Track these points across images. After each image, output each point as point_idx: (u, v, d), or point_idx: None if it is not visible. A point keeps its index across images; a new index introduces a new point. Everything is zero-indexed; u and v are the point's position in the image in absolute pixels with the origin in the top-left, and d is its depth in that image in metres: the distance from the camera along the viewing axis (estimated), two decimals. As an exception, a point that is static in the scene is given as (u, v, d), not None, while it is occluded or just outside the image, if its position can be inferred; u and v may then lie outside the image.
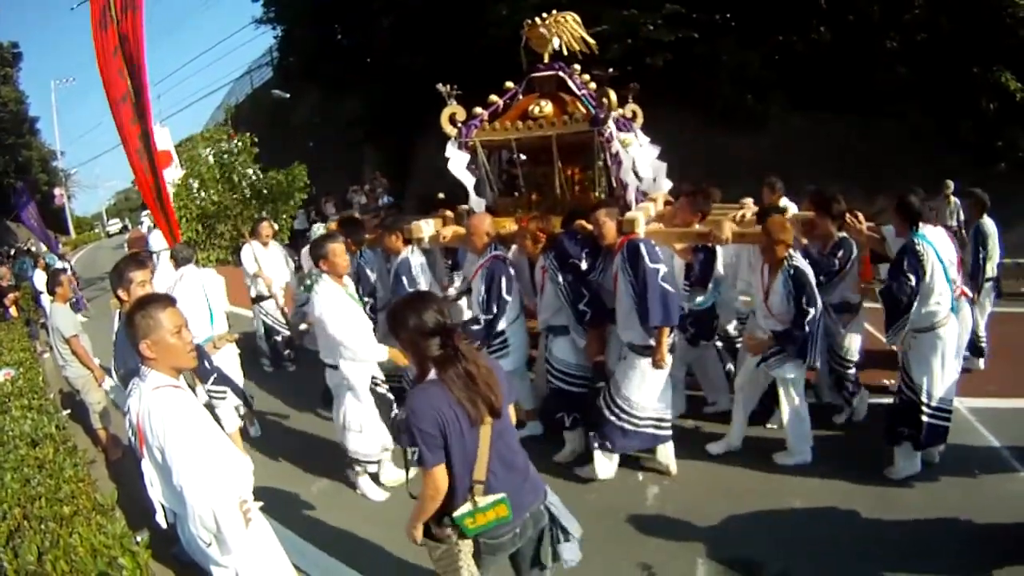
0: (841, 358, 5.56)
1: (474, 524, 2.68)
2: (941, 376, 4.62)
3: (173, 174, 12.35)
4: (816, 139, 13.47)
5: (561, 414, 5.35)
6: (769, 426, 5.60)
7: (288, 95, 26.01)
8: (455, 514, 2.68)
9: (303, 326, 6.55)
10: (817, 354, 4.77)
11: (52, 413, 5.86)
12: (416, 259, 5.89)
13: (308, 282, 4.84)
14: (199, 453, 2.56)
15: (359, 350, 4.75)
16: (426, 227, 5.97)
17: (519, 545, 2.90)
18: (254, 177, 11.16)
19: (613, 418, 4.87)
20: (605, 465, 5.02)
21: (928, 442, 4.70)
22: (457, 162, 5.85)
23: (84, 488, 4.17)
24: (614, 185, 5.76)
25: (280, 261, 8.52)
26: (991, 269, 6.88)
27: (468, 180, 5.92)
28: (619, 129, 5.86)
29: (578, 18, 6.06)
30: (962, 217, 10.69)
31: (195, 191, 10.72)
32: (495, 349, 5.38)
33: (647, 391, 4.84)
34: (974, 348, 6.69)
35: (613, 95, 5.30)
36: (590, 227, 5.05)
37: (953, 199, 10.73)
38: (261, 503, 2.95)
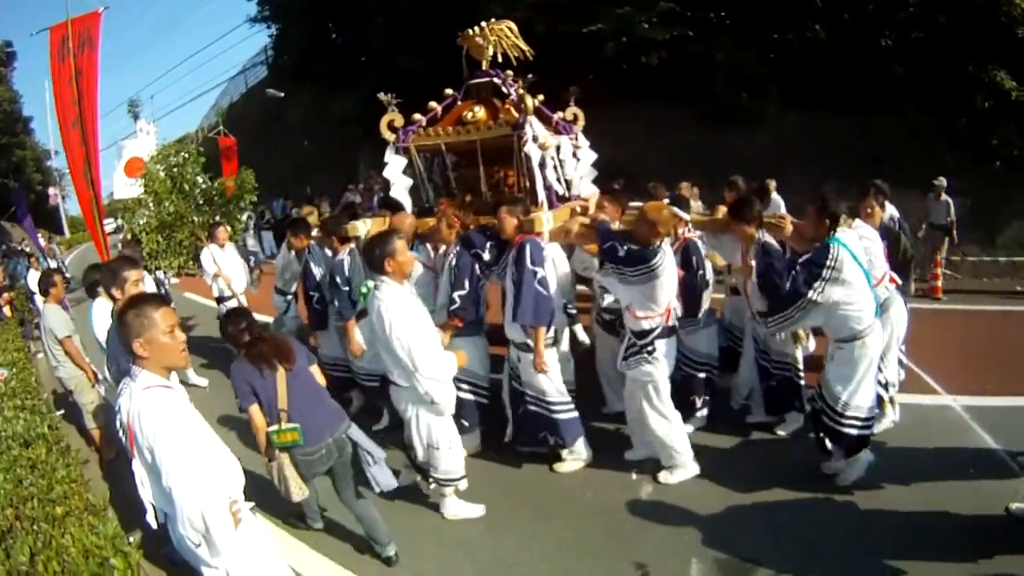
0: (780, 363, 5.52)
1: (278, 439, 3.82)
2: (863, 385, 4.55)
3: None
4: (812, 137, 13.49)
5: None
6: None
7: (282, 94, 26.00)
8: (268, 430, 3.82)
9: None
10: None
11: (45, 413, 5.82)
12: (350, 259, 6.00)
13: (364, 290, 4.49)
14: (188, 454, 2.55)
15: (434, 365, 4.17)
16: (362, 226, 6.07)
17: (329, 464, 3.99)
18: (204, 185, 11.60)
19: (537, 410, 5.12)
20: (569, 464, 5.27)
21: (854, 448, 4.64)
22: (394, 166, 6.09)
23: (76, 489, 4.14)
24: (533, 186, 5.78)
25: (237, 263, 8.92)
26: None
27: (403, 183, 6.13)
28: (559, 132, 6.18)
29: (513, 26, 6.24)
30: (954, 216, 10.72)
31: (150, 205, 11.22)
32: None
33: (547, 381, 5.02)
34: None
35: (530, 100, 5.47)
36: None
37: (945, 197, 10.74)
38: (252, 503, 2.93)
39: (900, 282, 5.30)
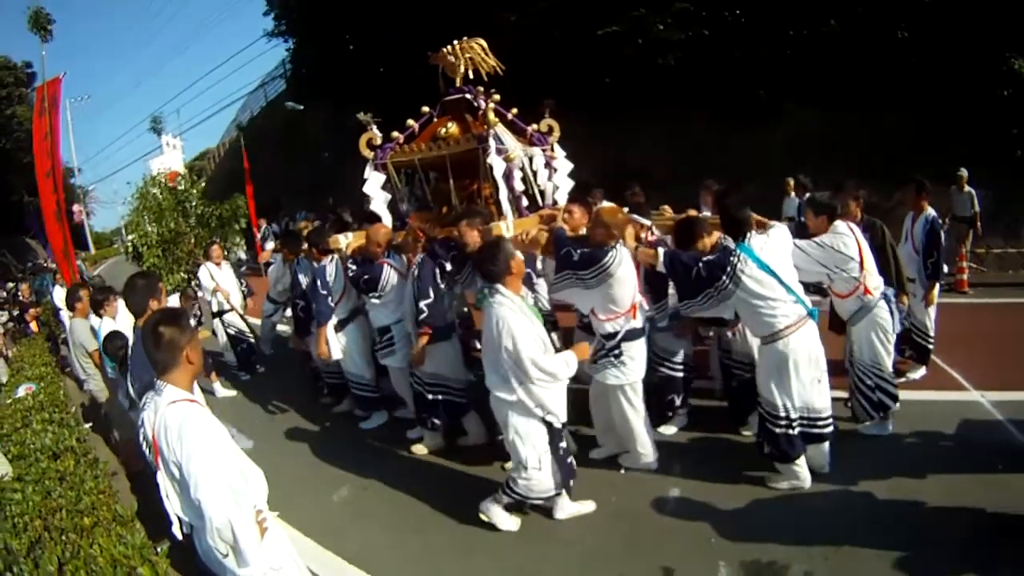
0: (740, 363, 5.55)
1: None
2: (795, 386, 4.56)
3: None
4: (829, 133, 13.37)
5: (424, 414, 5.84)
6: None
7: (302, 107, 26.17)
8: None
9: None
10: None
11: (73, 426, 5.89)
12: (331, 267, 6.36)
13: (481, 296, 4.48)
14: (217, 466, 2.58)
15: (556, 370, 4.19)
16: (343, 239, 6.31)
17: None
18: (200, 210, 12.88)
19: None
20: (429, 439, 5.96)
21: (789, 453, 4.65)
22: (373, 182, 6.37)
23: (105, 500, 4.19)
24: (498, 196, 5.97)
25: (232, 279, 9.43)
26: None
27: (381, 198, 6.40)
28: (533, 143, 6.45)
29: (484, 43, 6.40)
30: (978, 207, 10.57)
31: (148, 224, 12.40)
32: (383, 346, 6.13)
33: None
34: (919, 351, 6.51)
35: (492, 115, 5.75)
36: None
37: (968, 188, 10.59)
38: (277, 512, 2.95)
39: (876, 294, 5.16)
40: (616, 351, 4.82)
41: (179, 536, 2.74)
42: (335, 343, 6.36)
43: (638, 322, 4.86)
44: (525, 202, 6.37)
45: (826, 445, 4.78)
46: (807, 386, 4.57)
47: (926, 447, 5.08)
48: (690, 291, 4.66)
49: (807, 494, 4.61)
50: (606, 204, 5.35)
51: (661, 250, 4.82)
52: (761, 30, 14.13)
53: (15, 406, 6.84)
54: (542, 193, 6.65)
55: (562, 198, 6.60)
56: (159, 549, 3.29)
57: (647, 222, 5.56)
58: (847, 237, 4.97)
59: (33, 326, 14.25)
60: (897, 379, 5.51)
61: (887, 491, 4.52)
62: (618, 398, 4.98)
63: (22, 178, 36.24)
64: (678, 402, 5.78)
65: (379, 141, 6.42)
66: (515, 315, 4.18)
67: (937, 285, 6.37)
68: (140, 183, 13.46)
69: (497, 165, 5.71)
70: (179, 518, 2.72)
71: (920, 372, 6.48)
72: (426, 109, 6.48)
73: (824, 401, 4.64)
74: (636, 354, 4.87)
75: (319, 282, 6.31)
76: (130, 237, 14.83)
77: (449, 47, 6.38)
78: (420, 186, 6.81)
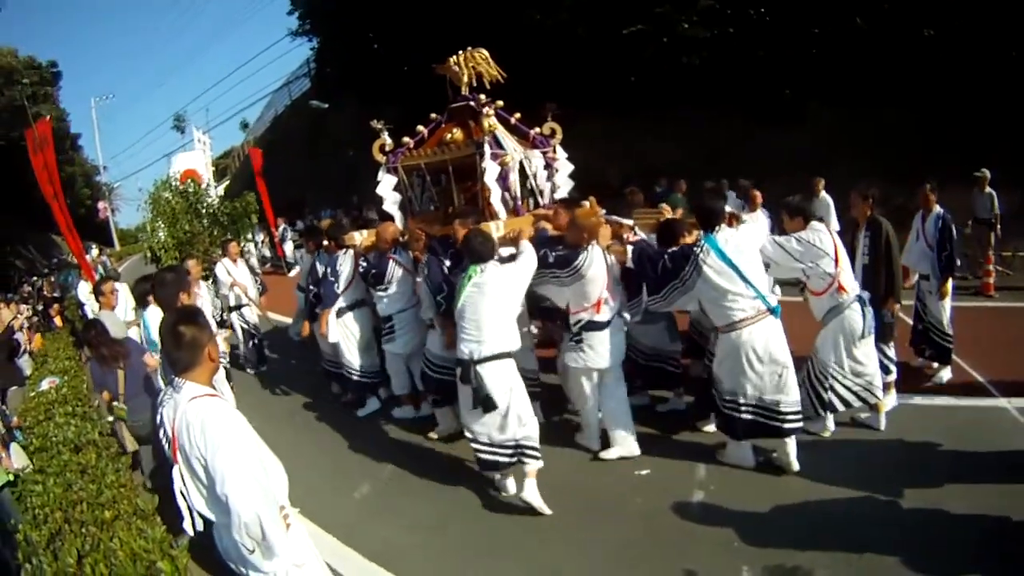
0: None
1: (117, 413, 5.40)
2: (748, 376, 4.76)
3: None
4: (855, 132, 13.21)
5: (430, 396, 6.32)
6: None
7: (327, 105, 26.27)
8: (113, 405, 5.42)
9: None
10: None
11: (96, 420, 5.91)
12: (344, 259, 6.92)
13: (472, 274, 4.95)
14: (244, 461, 2.55)
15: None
16: (358, 236, 6.97)
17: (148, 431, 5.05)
18: (212, 209, 13.71)
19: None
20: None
21: (733, 432, 4.96)
22: (385, 184, 6.93)
23: (125, 493, 4.18)
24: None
25: (247, 275, 9.83)
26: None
27: (393, 199, 6.96)
28: (535, 146, 6.87)
29: (486, 53, 6.80)
30: (998, 209, 10.33)
31: (161, 228, 13.28)
32: (385, 333, 6.58)
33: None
34: (939, 350, 6.37)
35: (486, 122, 6.29)
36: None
37: (989, 189, 10.36)
38: (298, 508, 2.92)
39: (851, 294, 5.15)
40: (578, 338, 5.20)
41: (190, 532, 2.70)
42: (334, 327, 6.93)
43: (601, 316, 5.17)
44: (517, 202, 6.70)
45: (791, 443, 4.87)
46: (763, 378, 4.76)
47: (950, 454, 4.95)
48: (656, 286, 4.99)
49: (830, 500, 4.51)
50: (584, 206, 5.57)
51: (630, 247, 5.22)
52: (786, 29, 14.00)
53: (38, 399, 6.89)
54: (541, 192, 7.05)
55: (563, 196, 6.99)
56: (178, 543, 3.26)
57: (628, 222, 5.79)
58: (823, 234, 5.09)
59: (57, 321, 14.38)
60: (926, 383, 5.75)
61: (911, 497, 4.41)
62: (576, 379, 5.43)
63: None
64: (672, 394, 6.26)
65: (391, 146, 6.92)
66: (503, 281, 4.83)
67: (951, 279, 6.30)
68: (151, 188, 14.18)
69: (491, 169, 6.12)
70: (192, 512, 2.68)
71: (946, 373, 6.34)
72: (435, 116, 6.95)
73: (785, 396, 4.78)
74: (596, 344, 5.20)
75: (329, 271, 6.91)
76: (147, 243, 15.35)
77: (454, 58, 6.79)
78: (428, 188, 7.24)
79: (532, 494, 4.71)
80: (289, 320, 10.29)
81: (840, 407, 5.28)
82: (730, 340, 4.78)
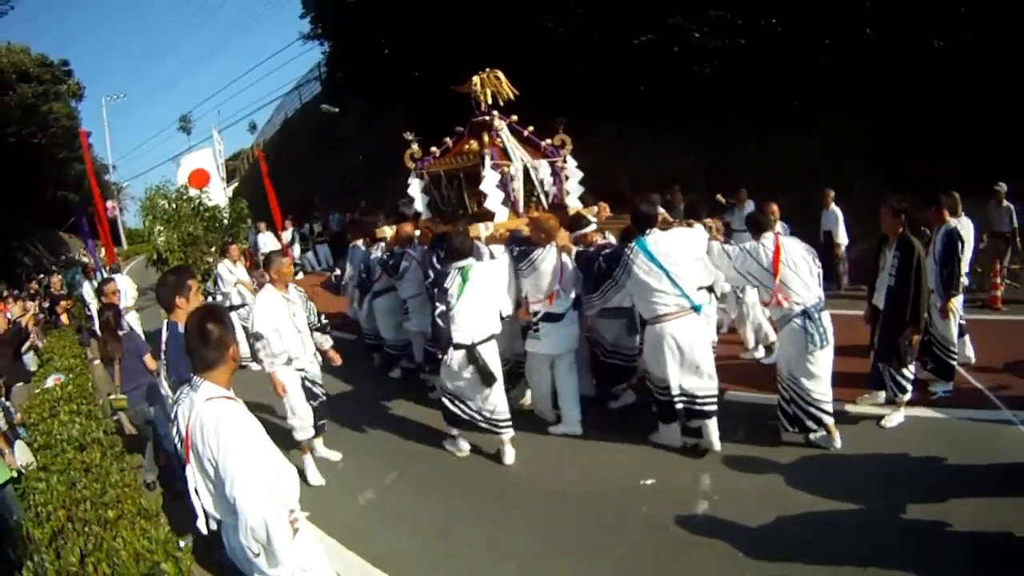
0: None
1: (115, 404, 5.94)
2: (673, 368, 5.22)
3: (216, 186, 15.91)
4: (865, 142, 13.12)
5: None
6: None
7: (337, 109, 26.28)
8: (110, 398, 5.96)
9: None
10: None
11: (100, 419, 5.92)
12: (376, 252, 8.18)
13: (464, 264, 5.78)
14: (254, 464, 2.54)
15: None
16: (388, 230, 8.04)
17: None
18: (209, 214, 14.15)
19: None
20: None
21: (667, 417, 5.46)
22: (414, 187, 7.77)
23: (129, 493, 4.17)
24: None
25: (246, 276, 10.68)
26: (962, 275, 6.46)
27: (422, 200, 7.78)
28: (546, 156, 7.60)
29: (501, 74, 7.38)
30: (1016, 223, 10.24)
31: (158, 232, 13.85)
32: (404, 313, 7.64)
33: None
34: (941, 365, 6.27)
35: (487, 136, 7.01)
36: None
37: (1007, 203, 10.27)
38: (307, 513, 2.90)
39: (795, 308, 5.19)
40: (536, 327, 5.94)
41: (204, 531, 2.69)
42: (365, 307, 8.68)
43: (555, 308, 5.87)
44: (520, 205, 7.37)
45: (712, 422, 5.32)
46: (684, 369, 5.24)
47: (957, 468, 4.88)
48: (594, 285, 5.68)
49: (836, 512, 4.47)
50: (543, 213, 6.54)
51: (576, 248, 5.97)
52: (797, 39, 13.94)
53: (43, 396, 6.89)
54: (546, 194, 7.66)
55: (574, 201, 7.68)
56: (182, 544, 3.23)
57: (592, 228, 6.53)
58: (767, 248, 5.28)
59: (64, 318, 14.42)
60: (926, 396, 5.79)
61: (916, 511, 4.36)
62: (533, 362, 6.22)
63: (58, 173, 36.86)
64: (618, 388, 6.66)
65: (419, 155, 7.67)
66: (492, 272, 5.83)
67: (956, 297, 6.20)
68: (144, 194, 14.60)
69: (490, 176, 6.77)
70: (206, 513, 2.67)
71: (944, 387, 6.23)
72: (460, 129, 7.60)
73: (703, 384, 5.25)
74: (549, 332, 5.90)
75: (364, 263, 8.45)
76: (151, 246, 15.78)
77: (475, 79, 7.38)
78: (447, 191, 7.76)
79: (511, 456, 5.69)
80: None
81: (810, 424, 5.31)
82: (654, 332, 5.27)
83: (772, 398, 5.70)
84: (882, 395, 5.90)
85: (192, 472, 2.65)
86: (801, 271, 5.20)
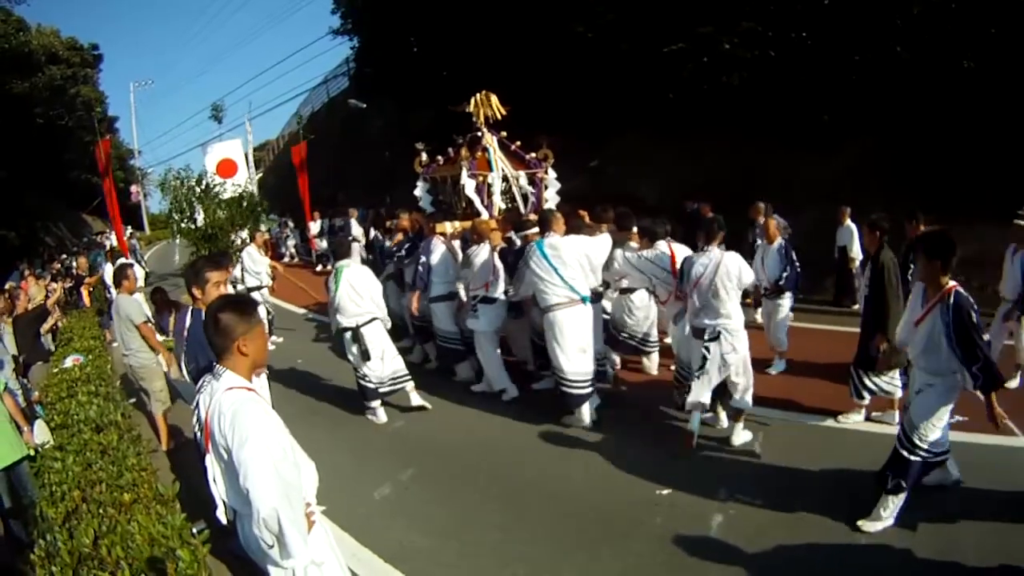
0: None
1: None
2: (562, 352, 6.18)
3: (242, 177, 17.13)
4: (892, 161, 12.97)
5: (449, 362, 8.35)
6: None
7: (364, 105, 26.29)
8: None
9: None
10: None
11: (119, 401, 5.93)
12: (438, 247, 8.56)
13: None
14: (268, 457, 2.52)
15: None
16: (448, 226, 8.51)
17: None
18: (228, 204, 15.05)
19: None
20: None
21: (571, 403, 6.27)
22: (420, 189, 9.34)
23: (146, 477, 4.17)
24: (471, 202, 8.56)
25: (265, 263, 11.67)
26: None
27: (427, 200, 9.27)
28: (529, 167, 8.88)
29: (494, 96, 8.65)
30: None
31: (177, 220, 15.01)
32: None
33: None
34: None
35: (469, 150, 8.43)
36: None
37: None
38: (324, 507, 2.89)
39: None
40: (475, 308, 7.19)
41: (223, 520, 2.68)
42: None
43: (490, 294, 7.10)
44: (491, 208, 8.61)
45: (586, 408, 6.27)
46: (569, 354, 6.17)
47: (971, 494, 4.76)
48: (509, 277, 6.99)
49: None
50: (486, 217, 8.13)
51: (499, 246, 7.23)
52: (827, 54, 13.81)
53: (61, 376, 6.92)
54: (524, 199, 8.82)
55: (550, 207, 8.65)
56: (195, 531, 3.22)
57: (534, 230, 6.99)
58: (663, 254, 6.81)
59: (86, 299, 14.52)
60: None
61: (928, 536, 4.28)
62: (477, 339, 7.36)
63: (84, 156, 37.06)
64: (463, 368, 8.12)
65: (426, 161, 9.13)
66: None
67: None
68: (160, 179, 15.73)
69: (468, 184, 8.30)
70: (224, 502, 2.66)
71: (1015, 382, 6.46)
72: (460, 140, 8.73)
73: (582, 367, 6.21)
74: (486, 313, 7.15)
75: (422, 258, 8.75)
76: (177, 230, 16.30)
77: (470, 100, 8.65)
78: (446, 194, 9.12)
79: (417, 399, 7.09)
80: (291, 307, 13.74)
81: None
82: (547, 319, 6.28)
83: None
84: (862, 414, 6.04)
85: (211, 461, 2.66)
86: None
